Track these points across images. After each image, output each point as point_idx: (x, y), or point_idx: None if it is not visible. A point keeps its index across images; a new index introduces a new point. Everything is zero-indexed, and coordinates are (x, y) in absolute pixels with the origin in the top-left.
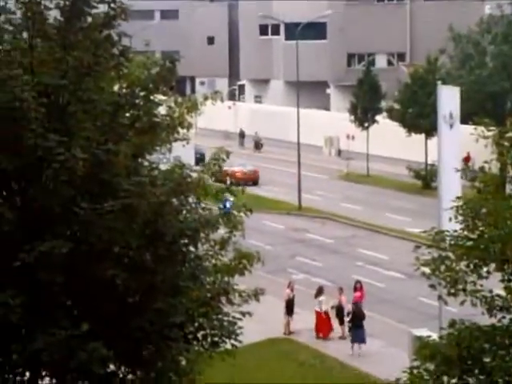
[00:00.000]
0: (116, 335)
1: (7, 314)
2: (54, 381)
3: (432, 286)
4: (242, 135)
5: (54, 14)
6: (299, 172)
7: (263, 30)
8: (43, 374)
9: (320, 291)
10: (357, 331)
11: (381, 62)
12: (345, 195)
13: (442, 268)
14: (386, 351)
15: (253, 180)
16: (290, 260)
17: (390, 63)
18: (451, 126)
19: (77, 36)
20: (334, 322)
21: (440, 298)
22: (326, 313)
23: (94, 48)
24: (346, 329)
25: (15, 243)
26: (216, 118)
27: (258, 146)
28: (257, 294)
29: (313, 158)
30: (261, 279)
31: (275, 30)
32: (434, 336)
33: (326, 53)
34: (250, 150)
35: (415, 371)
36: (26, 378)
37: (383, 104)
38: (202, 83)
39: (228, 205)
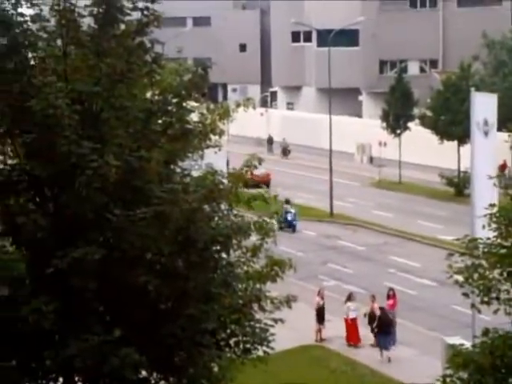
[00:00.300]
0: (148, 341)
1: (40, 320)
2: None
3: (465, 294)
4: (270, 141)
5: (87, 22)
6: (331, 179)
7: (295, 36)
8: (76, 379)
9: (349, 298)
10: (383, 337)
11: (413, 68)
12: (377, 202)
13: (475, 276)
14: (418, 359)
15: (265, 182)
16: (322, 267)
17: (422, 70)
18: (486, 133)
19: (110, 43)
20: (367, 330)
21: (473, 306)
22: (354, 319)
23: (127, 55)
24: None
25: (48, 250)
26: (248, 125)
27: (285, 152)
28: (289, 301)
29: (344, 165)
30: (292, 286)
31: (307, 37)
32: (467, 344)
33: (359, 59)
34: (279, 156)
35: (448, 379)
36: (58, 383)
37: (415, 111)
38: (234, 90)
39: (290, 217)
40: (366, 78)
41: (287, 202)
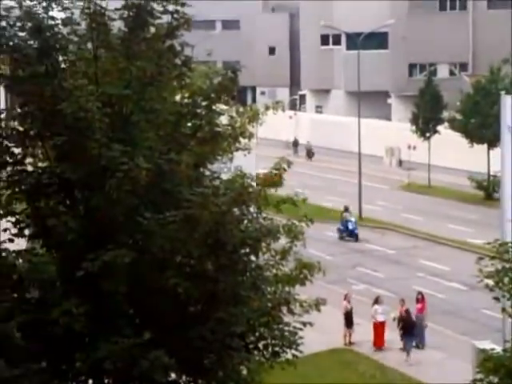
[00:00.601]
0: (177, 344)
1: (71, 323)
2: None
3: (496, 299)
4: (295, 144)
5: (117, 25)
6: (360, 182)
7: (324, 39)
8: (106, 381)
9: (376, 301)
10: (407, 339)
11: (443, 71)
12: (406, 205)
13: (506, 280)
14: (447, 363)
15: (274, 184)
16: (351, 270)
17: (452, 73)
18: None
19: (140, 46)
20: (395, 334)
21: (504, 310)
22: (382, 323)
23: (158, 58)
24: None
25: (79, 252)
26: (277, 128)
27: (309, 154)
28: (318, 304)
29: (373, 168)
30: (321, 289)
31: (336, 40)
32: (498, 349)
33: (388, 63)
34: (304, 159)
35: None
36: None
37: (445, 114)
38: (263, 93)
39: (351, 226)
40: (395, 80)
41: (346, 209)
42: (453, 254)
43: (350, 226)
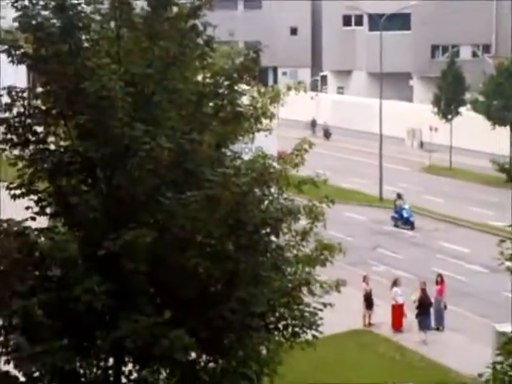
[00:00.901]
0: (198, 323)
1: (92, 301)
2: (136, 367)
3: None
4: (313, 124)
5: (140, 4)
6: (381, 163)
7: (346, 20)
8: (126, 360)
9: (395, 283)
10: (423, 318)
11: (465, 53)
12: (427, 188)
13: None
14: (467, 345)
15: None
16: (371, 252)
17: (474, 55)
18: None
19: (163, 26)
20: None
21: None
22: (401, 305)
23: (180, 38)
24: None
25: (100, 231)
26: (298, 109)
27: (326, 134)
28: (338, 285)
29: (395, 150)
30: (341, 270)
31: (358, 21)
32: None
33: (410, 44)
34: (321, 139)
35: (498, 366)
36: (109, 363)
37: (467, 96)
38: (285, 73)
39: (406, 213)
40: (417, 62)
41: (399, 196)
42: (474, 236)
43: (405, 214)
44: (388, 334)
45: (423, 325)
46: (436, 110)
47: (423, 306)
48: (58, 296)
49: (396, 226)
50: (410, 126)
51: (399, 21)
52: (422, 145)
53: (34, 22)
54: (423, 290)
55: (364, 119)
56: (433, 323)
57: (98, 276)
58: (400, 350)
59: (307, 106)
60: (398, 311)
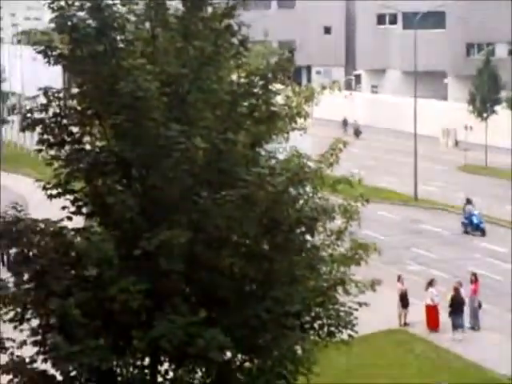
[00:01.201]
0: (233, 323)
1: (128, 300)
2: (172, 366)
3: None
4: (344, 123)
5: (175, 5)
6: (415, 163)
7: (381, 19)
8: (162, 359)
9: (430, 283)
10: (456, 317)
11: (501, 51)
12: (462, 186)
13: None
14: (503, 345)
15: None
16: (406, 251)
17: (510, 53)
18: None
19: (198, 26)
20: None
21: None
22: (436, 305)
23: (215, 38)
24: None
25: (136, 231)
26: (332, 108)
27: (357, 132)
28: (373, 285)
29: (429, 149)
30: (376, 270)
31: (393, 20)
32: None
33: (445, 42)
34: (352, 138)
35: None
36: (145, 362)
37: (503, 94)
38: (318, 72)
39: (476, 219)
40: (452, 60)
41: (469, 202)
42: (510, 235)
43: (475, 220)
44: (423, 333)
45: (456, 323)
46: (471, 108)
47: (455, 304)
48: (94, 295)
49: (466, 232)
50: (445, 125)
51: (434, 19)
52: (456, 144)
53: (69, 23)
54: (456, 289)
55: (398, 118)
56: (469, 322)
57: (133, 276)
58: (436, 349)
59: (341, 105)
60: (432, 311)
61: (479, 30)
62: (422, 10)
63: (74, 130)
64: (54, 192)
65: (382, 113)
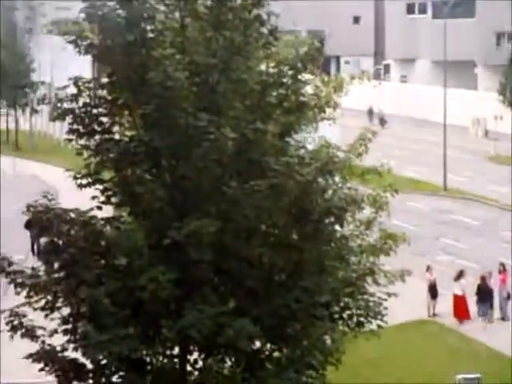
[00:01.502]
0: (262, 312)
1: (158, 290)
2: (201, 356)
3: None
4: (370, 112)
5: None
6: (445, 152)
7: (410, 8)
8: (192, 348)
9: (460, 274)
10: (482, 306)
11: None
12: (492, 177)
13: None
14: None
15: None
16: (435, 241)
17: None
18: None
19: (227, 16)
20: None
21: None
22: (464, 295)
23: (244, 27)
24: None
25: (165, 220)
26: (360, 98)
27: (382, 122)
28: (402, 275)
29: (459, 139)
30: (405, 260)
31: (422, 9)
32: None
33: (474, 31)
34: (378, 127)
35: None
36: (175, 352)
37: None
38: (347, 62)
39: None
40: (482, 50)
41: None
42: None
43: None
44: (452, 324)
45: (482, 312)
46: (501, 98)
47: (482, 293)
48: (123, 285)
49: None
50: (475, 115)
51: (463, 8)
52: (486, 134)
53: (99, 13)
54: (483, 278)
55: (426, 107)
56: (498, 313)
57: (163, 265)
58: (465, 340)
59: (369, 95)
60: (461, 301)
61: (509, 19)
62: None
63: (104, 119)
64: (84, 182)
65: (409, 102)
